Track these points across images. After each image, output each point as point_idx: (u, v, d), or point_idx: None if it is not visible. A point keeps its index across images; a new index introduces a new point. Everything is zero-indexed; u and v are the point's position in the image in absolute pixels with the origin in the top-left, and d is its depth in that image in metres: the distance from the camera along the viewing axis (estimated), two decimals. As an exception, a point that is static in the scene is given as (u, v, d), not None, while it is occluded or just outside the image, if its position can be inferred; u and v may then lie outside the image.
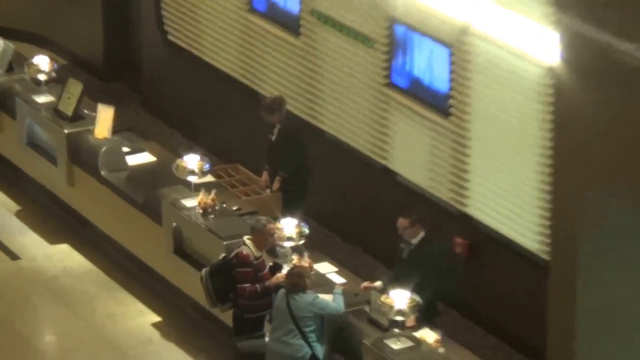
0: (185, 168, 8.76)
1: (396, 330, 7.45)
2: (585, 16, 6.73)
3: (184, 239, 8.92)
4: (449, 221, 9.02)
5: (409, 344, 7.48)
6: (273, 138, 9.11)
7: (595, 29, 6.57)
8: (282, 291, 7.48)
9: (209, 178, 9.10)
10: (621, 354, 7.98)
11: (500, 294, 8.97)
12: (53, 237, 9.47)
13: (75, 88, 9.40)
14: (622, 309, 7.80)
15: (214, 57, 11.30)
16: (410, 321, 7.36)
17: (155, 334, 8.42)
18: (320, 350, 7.73)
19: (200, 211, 8.65)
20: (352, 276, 8.57)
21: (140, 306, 8.72)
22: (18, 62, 10.73)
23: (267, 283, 7.81)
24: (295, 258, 8.16)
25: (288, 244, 8.19)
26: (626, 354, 8.00)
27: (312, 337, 7.66)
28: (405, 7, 8.99)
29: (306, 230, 8.34)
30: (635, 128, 6.68)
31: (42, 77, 10.07)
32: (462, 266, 8.95)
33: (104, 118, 9.13)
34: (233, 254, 7.85)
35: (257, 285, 7.68)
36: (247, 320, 7.82)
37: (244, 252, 7.69)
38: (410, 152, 9.56)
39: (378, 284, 8.09)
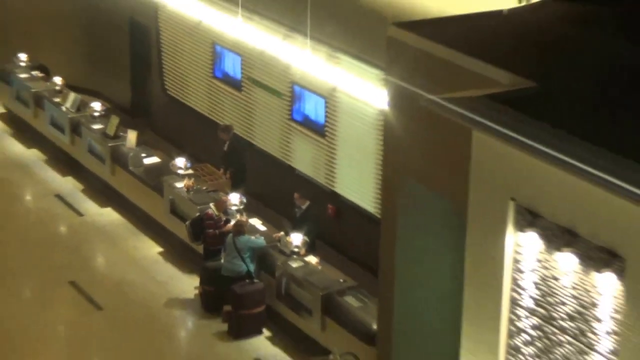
0: (176, 165, 12.61)
1: (294, 256, 11.24)
2: (402, 78, 9.26)
3: (176, 205, 12.74)
4: (325, 195, 12.36)
5: (302, 264, 11.31)
6: (225, 148, 12.94)
7: (409, 86, 9.02)
8: (230, 234, 11.10)
9: (190, 171, 12.97)
10: (427, 285, 9.87)
11: (355, 237, 12.53)
12: (103, 203, 13.74)
13: (115, 120, 13.67)
14: (426, 255, 10.03)
15: (193, 103, 15.38)
16: (302, 251, 11.13)
17: (160, 258, 12.45)
18: (252, 267, 11.35)
19: (185, 189, 12.34)
20: (270, 227, 12.14)
21: (151, 242, 12.74)
22: (82, 105, 14.80)
23: (223, 229, 11.38)
24: (238, 216, 11.68)
25: (234, 208, 11.76)
26: (434, 288, 9.62)
27: (248, 260, 11.05)
28: (300, 75, 12.63)
29: (244, 201, 11.98)
30: (433, 145, 8.91)
31: (96, 114, 14.26)
32: (333, 222, 12.65)
33: (131, 137, 13.38)
34: (204, 213, 11.55)
35: (217, 231, 11.25)
36: (211, 250, 11.43)
37: (209, 212, 11.44)
38: (303, 156, 13.15)
39: (282, 233, 11.67)
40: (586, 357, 7.58)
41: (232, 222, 11.43)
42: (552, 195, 7.39)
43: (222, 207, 11.73)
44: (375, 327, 10.43)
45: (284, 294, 11.29)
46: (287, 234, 11.56)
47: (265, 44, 13.15)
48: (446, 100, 7.80)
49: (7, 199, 14.64)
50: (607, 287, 7.10)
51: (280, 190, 12.95)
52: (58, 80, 15.58)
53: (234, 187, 12.59)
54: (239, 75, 13.13)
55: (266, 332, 11.68)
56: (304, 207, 11.85)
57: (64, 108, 14.69)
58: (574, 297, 7.53)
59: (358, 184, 12.15)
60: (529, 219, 7.67)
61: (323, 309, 11.04)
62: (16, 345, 11.70)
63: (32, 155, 15.51)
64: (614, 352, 7.23)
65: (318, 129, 12.46)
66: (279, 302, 11.44)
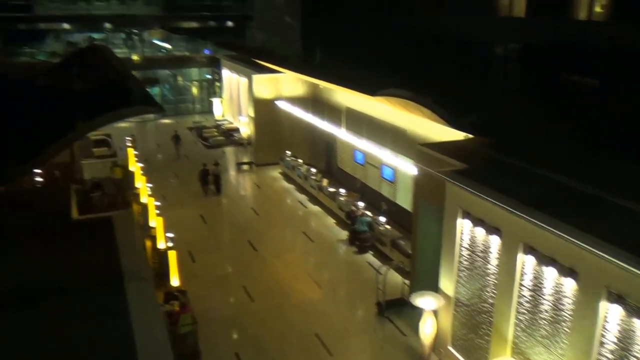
0: (341, 192, 22.50)
1: (382, 226, 21.63)
2: (422, 163, 16.86)
3: (342, 206, 22.06)
4: (391, 203, 21.75)
5: (384, 228, 21.38)
6: (358, 185, 22.74)
7: (423, 167, 16.74)
8: (358, 216, 20.89)
9: (346, 194, 22.66)
10: (429, 242, 14.59)
11: (404, 219, 19.45)
12: (315, 204, 24.64)
13: (318, 175, 24.84)
14: (429, 229, 14.68)
15: (347, 170, 24.71)
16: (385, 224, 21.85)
17: (334, 223, 22.27)
18: (366, 228, 19.94)
19: (344, 201, 21.79)
20: (374, 213, 22.14)
21: (330, 219, 22.65)
22: (308, 170, 25.22)
23: (356, 214, 20.61)
24: (361, 210, 21.68)
25: (360, 206, 21.46)
26: (431, 243, 14.68)
27: (364, 225, 20.50)
28: (385, 162, 21.57)
29: (363, 204, 21.21)
30: (431, 187, 13.87)
31: (313, 174, 25.09)
32: (395, 213, 22.07)
33: (325, 182, 24.63)
34: (350, 209, 20.77)
35: (353, 215, 21.10)
36: (352, 221, 20.50)
37: (353, 209, 20.70)
38: (386, 189, 21.50)
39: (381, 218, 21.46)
40: (489, 273, 12.40)
41: (359, 212, 20.63)
42: (476, 206, 11.92)
43: (354, 206, 21.47)
44: (410, 251, 16.75)
45: (376, 238, 19.79)
46: (382, 215, 20.28)
47: (375, 152, 21.24)
48: (437, 171, 12.64)
49: (279, 202, 25.05)
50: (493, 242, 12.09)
51: (377, 201, 22.35)
52: (301, 160, 27.37)
53: (359, 200, 22.25)
54: (363, 161, 24.09)
55: (370, 253, 19.77)
56: (385, 206, 21.50)
57: (302, 170, 25.96)
58: (481, 245, 12.14)
59: (405, 200, 20.67)
60: (466, 215, 12.37)
61: (391, 244, 19.00)
62: (281, 253, 19.92)
63: (290, 187, 26.83)
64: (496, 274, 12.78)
65: (391, 180, 22.03)
66: (375, 241, 19.79)
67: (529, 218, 10.13)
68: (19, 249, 10.82)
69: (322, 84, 24.86)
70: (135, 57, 42.60)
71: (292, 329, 15.49)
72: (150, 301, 8.99)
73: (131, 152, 26.20)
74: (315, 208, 24.38)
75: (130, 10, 44.19)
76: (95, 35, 45.40)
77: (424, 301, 13.48)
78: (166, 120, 40.39)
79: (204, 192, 26.21)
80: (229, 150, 33.61)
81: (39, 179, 20.46)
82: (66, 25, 43.76)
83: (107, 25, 44.80)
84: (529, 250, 10.95)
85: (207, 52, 45.24)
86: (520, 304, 11.31)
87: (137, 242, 11.57)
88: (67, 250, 10.75)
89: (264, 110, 29.26)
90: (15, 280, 9.65)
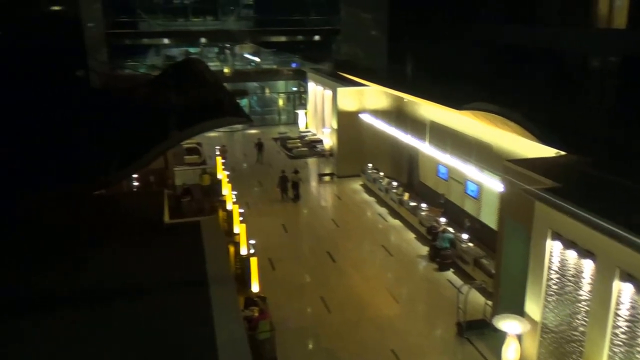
0: (422, 207, 22.33)
1: (464, 243, 20.98)
2: (510, 178, 16.61)
3: (423, 221, 21.86)
4: (474, 220, 21.84)
5: (466, 245, 20.73)
6: (442, 201, 22.22)
7: (511, 178, 16.65)
8: (440, 232, 21.20)
9: (427, 208, 23.01)
10: (515, 260, 13.56)
11: (487, 236, 19.02)
12: (395, 218, 24.20)
13: (400, 189, 24.51)
14: (515, 248, 13.70)
15: (429, 184, 24.05)
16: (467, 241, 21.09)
17: (413, 238, 21.84)
18: (447, 244, 19.50)
19: (424, 215, 22.74)
20: (456, 229, 21.98)
21: (411, 233, 22.28)
22: (389, 183, 25.29)
23: (438, 230, 21.59)
24: (442, 226, 22.05)
25: (442, 222, 22.17)
26: (517, 261, 13.45)
27: (446, 242, 20.60)
28: (470, 177, 21.32)
29: (445, 220, 21.61)
30: (519, 204, 13.05)
31: (394, 188, 24.81)
32: (477, 230, 20.70)
33: (405, 195, 24.24)
34: (431, 225, 20.55)
35: (434, 231, 21.61)
36: (433, 237, 21.13)
37: (434, 224, 21.06)
38: (469, 206, 21.08)
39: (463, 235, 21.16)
40: (580, 300, 11.22)
41: (440, 228, 20.37)
42: (568, 227, 10.99)
43: (436, 222, 21.06)
44: (494, 271, 15.83)
45: (458, 256, 19.13)
46: (465, 232, 19.71)
47: (460, 166, 20.45)
48: (527, 189, 12.32)
49: (359, 214, 24.88)
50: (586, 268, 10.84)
51: (460, 217, 21.72)
52: (382, 173, 27.16)
53: (441, 216, 21.78)
54: (446, 177, 23.54)
55: (451, 270, 19.08)
56: (468, 223, 20.87)
57: (384, 183, 25.67)
58: (572, 269, 11.34)
59: (489, 217, 19.97)
60: (556, 236, 11.58)
61: (474, 263, 18.21)
62: (360, 266, 19.64)
63: (371, 200, 26.68)
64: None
65: (475, 196, 21.40)
66: (457, 259, 19.14)
67: (628, 241, 9.29)
68: (114, 249, 11.27)
69: (407, 97, 24.53)
70: (226, 70, 44.08)
71: (368, 343, 15.28)
72: (232, 305, 9.10)
73: (219, 161, 26.99)
74: (396, 222, 24.07)
75: (224, 26, 45.81)
76: (191, 50, 47.47)
77: (508, 325, 12.77)
78: (253, 131, 41.38)
79: (282, 198, 26.75)
80: (312, 161, 33.89)
81: (135, 183, 21.62)
82: (166, 40, 46.01)
83: (203, 40, 46.65)
84: (627, 277, 10.09)
85: (294, 65, 46.02)
86: (615, 334, 10.47)
87: (222, 247, 11.69)
88: (159, 252, 11.11)
89: (347, 122, 29.34)
90: (109, 279, 10.03)
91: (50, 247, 11.27)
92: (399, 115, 27.31)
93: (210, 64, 39.38)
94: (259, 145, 34.12)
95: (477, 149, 20.40)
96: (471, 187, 21.57)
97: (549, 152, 14.67)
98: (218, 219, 16.27)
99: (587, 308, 11.22)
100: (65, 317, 8.97)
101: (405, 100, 26.38)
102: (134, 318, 8.86)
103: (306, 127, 41.11)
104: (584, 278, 11.27)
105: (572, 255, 11.55)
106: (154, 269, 10.42)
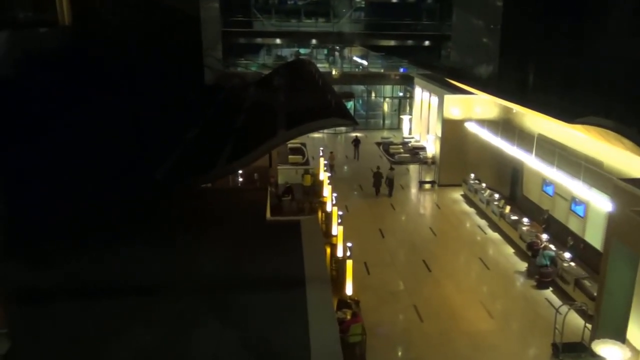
0: (524, 222, 21.65)
1: (567, 263, 19.50)
2: (620, 198, 15.06)
3: (524, 237, 21.29)
4: (579, 239, 21.03)
5: (568, 264, 19.32)
6: (545, 217, 21.46)
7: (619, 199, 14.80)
8: (541, 249, 20.29)
9: (529, 223, 21.80)
10: (619, 284, 13.03)
11: (592, 258, 17.84)
12: (495, 231, 23.61)
13: (502, 202, 23.81)
14: (620, 272, 13.08)
15: (533, 199, 23.07)
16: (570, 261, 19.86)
17: (512, 253, 21.34)
18: (548, 262, 18.88)
19: (526, 231, 21.97)
20: (558, 247, 20.44)
21: (510, 247, 21.70)
22: (491, 195, 25.15)
23: (539, 247, 20.84)
24: (544, 242, 21.12)
25: (544, 239, 21.43)
26: (622, 285, 12.92)
27: (547, 259, 19.04)
28: (577, 196, 20.51)
29: (548, 237, 20.44)
30: (632, 227, 12.25)
31: (495, 200, 24.29)
32: (583, 251, 19.13)
33: (506, 208, 23.61)
34: (532, 241, 19.98)
35: (536, 248, 20.91)
36: (534, 253, 20.56)
37: (535, 240, 20.17)
38: (574, 224, 20.30)
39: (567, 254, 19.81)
40: None
41: (542, 245, 19.63)
42: None
43: (537, 238, 20.29)
44: (596, 294, 15.47)
45: (558, 275, 18.52)
46: (568, 251, 18.85)
47: (567, 183, 19.41)
48: (635, 212, 11.97)
49: (458, 224, 24.55)
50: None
51: (563, 235, 20.63)
52: (484, 184, 26.68)
53: (543, 232, 21.01)
54: (552, 192, 22.74)
55: (550, 289, 18.59)
56: (571, 242, 19.58)
57: (485, 194, 25.20)
58: None
59: (595, 237, 18.85)
60: None
61: (575, 283, 17.52)
62: (455, 277, 19.49)
63: (471, 211, 26.40)
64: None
65: (580, 215, 20.39)
66: (557, 278, 18.50)
67: None
68: (217, 242, 11.81)
69: (516, 107, 24.03)
70: (334, 72, 45.03)
71: (459, 356, 15.25)
72: (327, 306, 9.26)
73: (322, 162, 27.77)
74: (495, 235, 23.68)
75: (335, 28, 46.77)
76: (302, 50, 48.91)
77: (608, 351, 12.39)
78: (356, 134, 41.97)
79: (376, 194, 28.10)
80: (413, 168, 33.91)
81: (240, 179, 22.83)
82: (278, 41, 47.74)
83: (313, 41, 47.89)
84: None
85: (402, 70, 46.13)
86: None
87: (320, 248, 11.94)
88: (259, 249, 11.55)
89: (452, 130, 29.14)
90: (207, 272, 10.42)
91: (160, 237, 11.95)
92: (505, 126, 26.68)
93: (319, 65, 40.71)
94: (356, 142, 35.57)
95: (587, 166, 19.67)
96: (577, 205, 20.77)
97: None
98: (318, 220, 16.60)
99: (694, 342, 10.66)
100: (166, 304, 9.40)
101: (514, 111, 25.82)
102: (231, 312, 9.12)
103: (410, 133, 41.09)
104: (692, 310, 10.70)
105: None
106: (254, 265, 10.75)
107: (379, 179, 28.31)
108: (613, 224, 14.02)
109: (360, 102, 47.92)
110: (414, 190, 30.12)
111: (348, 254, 17.00)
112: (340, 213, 20.41)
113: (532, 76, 23.29)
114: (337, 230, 19.11)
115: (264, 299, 9.45)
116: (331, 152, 33.12)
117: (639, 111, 15.61)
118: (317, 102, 19.07)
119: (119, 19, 17.44)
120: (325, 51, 50.16)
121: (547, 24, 22.02)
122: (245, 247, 11.57)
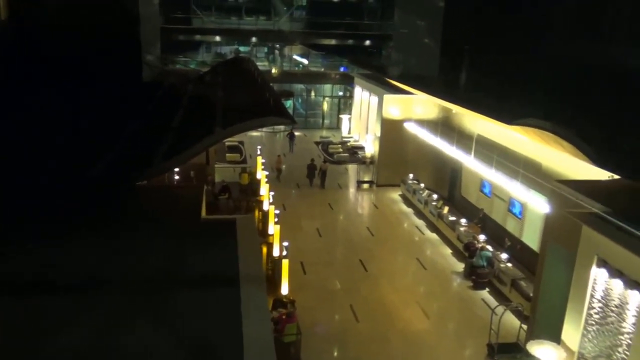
0: (461, 223, 21.88)
1: (503, 264, 19.77)
2: (555, 200, 15.25)
3: (461, 237, 21.61)
4: (514, 239, 21.31)
5: (504, 265, 19.72)
6: (481, 215, 21.77)
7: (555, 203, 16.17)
8: (478, 249, 20.76)
9: (466, 224, 22.73)
10: (555, 284, 12.92)
11: (528, 259, 18.27)
12: (433, 231, 23.48)
13: (440, 203, 23.81)
14: (556, 271, 13.08)
15: (471, 200, 23.78)
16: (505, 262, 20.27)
17: (450, 254, 21.40)
18: (484, 263, 19.58)
19: (463, 232, 22.09)
20: (495, 247, 20.61)
21: (447, 248, 21.82)
22: (430, 195, 25.01)
23: (476, 247, 21.21)
24: (481, 243, 21.49)
25: (481, 240, 21.73)
26: (557, 285, 12.88)
27: (483, 260, 20.35)
28: (514, 196, 20.37)
29: (485, 237, 21.09)
30: (563, 228, 12.44)
31: (434, 200, 24.73)
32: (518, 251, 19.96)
33: (444, 210, 23.35)
34: (470, 242, 20.12)
35: (472, 248, 21.29)
36: (470, 254, 21.31)
37: (472, 241, 20.78)
38: (511, 224, 20.35)
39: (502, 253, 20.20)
40: (623, 332, 10.65)
41: (479, 245, 19.45)
42: (616, 255, 10.66)
43: (475, 239, 20.24)
44: (532, 294, 15.37)
45: (495, 275, 18.57)
46: (505, 252, 18.87)
47: (505, 184, 19.66)
48: (574, 212, 12.01)
49: (395, 224, 24.61)
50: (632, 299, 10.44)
51: (500, 236, 20.90)
52: (422, 185, 26.79)
53: (481, 233, 21.05)
54: (490, 193, 23.09)
55: (486, 290, 18.65)
56: (508, 243, 19.85)
57: (423, 194, 25.32)
58: (617, 300, 10.91)
59: (531, 238, 19.10)
60: (602, 264, 11.30)
61: (511, 284, 17.64)
62: (392, 277, 19.46)
63: (409, 211, 26.27)
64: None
65: (518, 216, 20.62)
66: (494, 279, 18.56)
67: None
68: (150, 240, 11.41)
69: (456, 108, 24.19)
70: (274, 70, 44.50)
71: (395, 355, 15.09)
72: (261, 305, 9.08)
73: (259, 160, 27.11)
74: (433, 235, 23.72)
75: (276, 27, 46.27)
76: (242, 48, 48.16)
77: (543, 351, 12.41)
78: (295, 133, 41.42)
79: (310, 185, 29.26)
80: (351, 168, 33.73)
81: (177, 177, 21.97)
82: (218, 38, 46.84)
83: (253, 39, 47.27)
84: (676, 313, 9.59)
85: (342, 69, 46.09)
86: (658, 373, 9.98)
87: (256, 247, 11.70)
88: (193, 247, 11.19)
89: (391, 130, 29.12)
90: (140, 270, 10.10)
91: (93, 234, 11.53)
92: (445, 127, 26.89)
93: (259, 63, 40.32)
94: (291, 135, 36.81)
95: (525, 167, 19.89)
96: (515, 206, 21.01)
97: (602, 175, 13.99)
98: (254, 219, 16.22)
99: (629, 341, 10.76)
100: (98, 302, 9.11)
101: (453, 111, 26.01)
102: (163, 311, 8.90)
103: (349, 133, 41.04)
104: (628, 310, 10.83)
105: (617, 284, 11.11)
106: (188, 264, 10.51)
107: (312, 171, 29.54)
108: (550, 225, 14.08)
109: (300, 101, 47.63)
110: (352, 189, 29.96)
111: (284, 253, 16.68)
112: (277, 212, 19.99)
113: (472, 76, 23.43)
114: (273, 229, 18.66)
115: (197, 298, 9.28)
116: (278, 156, 32.13)
117: (577, 113, 15.83)
118: (256, 100, 18.84)
119: (57, 15, 17.16)
120: (266, 49, 49.53)
121: (488, 25, 22.18)
122: (180, 245, 11.27)
